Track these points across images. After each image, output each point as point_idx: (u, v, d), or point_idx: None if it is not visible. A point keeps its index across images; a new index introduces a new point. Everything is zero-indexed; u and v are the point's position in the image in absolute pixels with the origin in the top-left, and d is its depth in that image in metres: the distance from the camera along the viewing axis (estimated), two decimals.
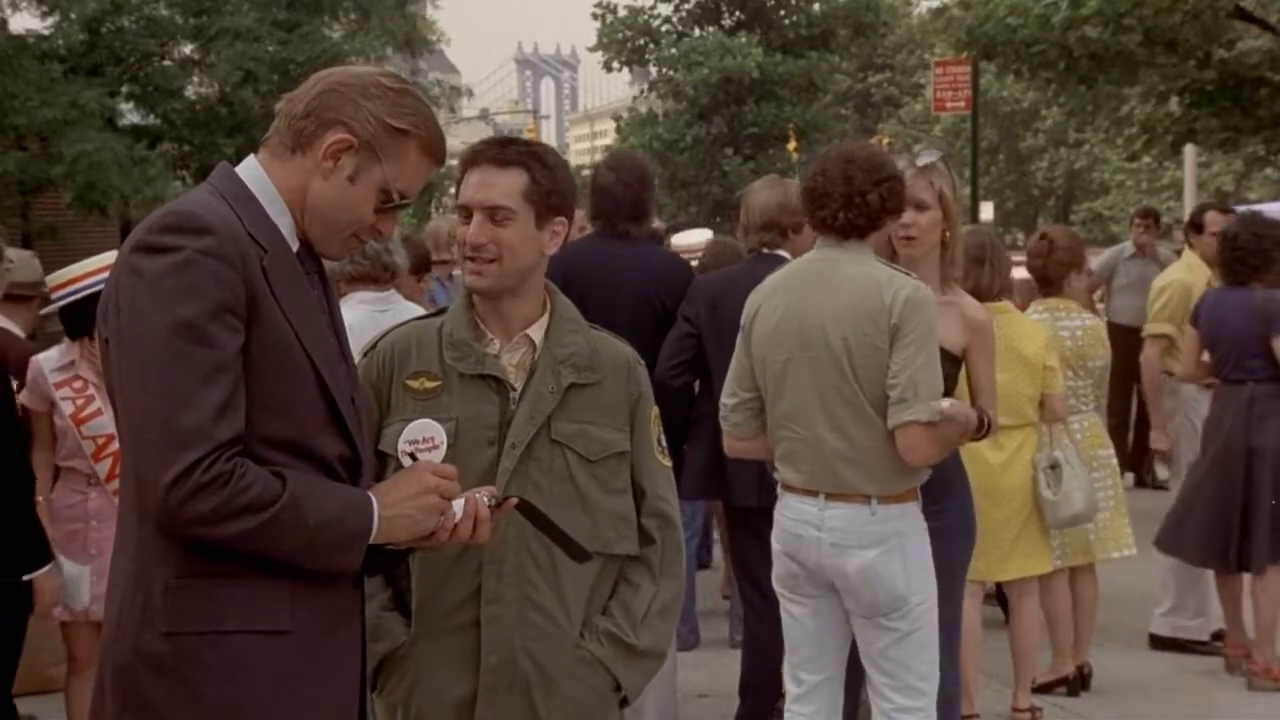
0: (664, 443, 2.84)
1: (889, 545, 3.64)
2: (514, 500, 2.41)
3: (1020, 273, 6.17)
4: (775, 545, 3.83)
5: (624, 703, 2.75)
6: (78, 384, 4.53)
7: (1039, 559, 5.32)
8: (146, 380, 2.05)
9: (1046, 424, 5.29)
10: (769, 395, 3.77)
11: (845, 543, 3.65)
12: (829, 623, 3.80)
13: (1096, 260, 10.53)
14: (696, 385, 5.02)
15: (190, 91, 17.95)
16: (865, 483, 3.63)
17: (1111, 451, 5.90)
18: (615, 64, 37.94)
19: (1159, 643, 6.43)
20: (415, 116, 2.26)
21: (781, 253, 4.86)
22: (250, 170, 2.25)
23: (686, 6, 37.92)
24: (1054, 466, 5.22)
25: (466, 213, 2.68)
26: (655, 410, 2.82)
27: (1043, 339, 5.28)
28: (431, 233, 7.06)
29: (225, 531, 2.06)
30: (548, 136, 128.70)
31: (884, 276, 3.60)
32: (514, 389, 2.67)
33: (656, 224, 7.71)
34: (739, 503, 4.93)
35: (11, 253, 5.36)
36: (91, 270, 4.51)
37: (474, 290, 2.72)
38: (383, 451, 2.62)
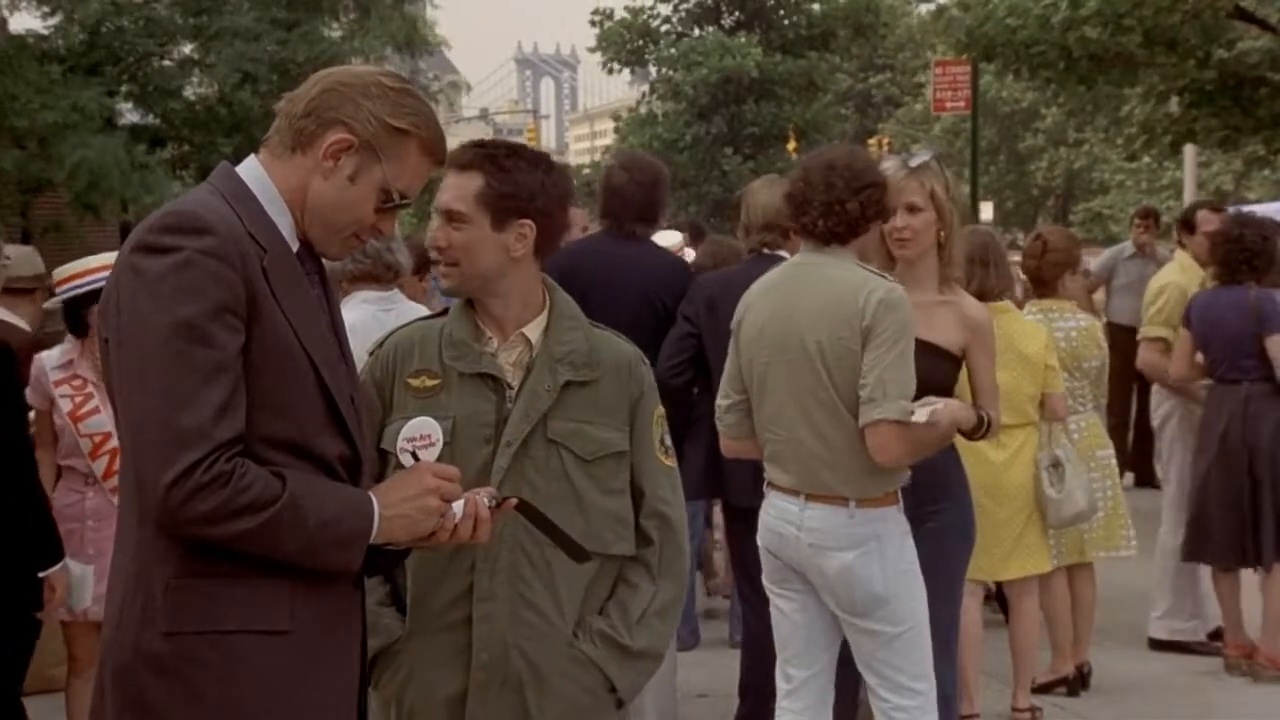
0: (668, 443, 2.83)
1: (867, 548, 3.66)
2: (514, 501, 2.41)
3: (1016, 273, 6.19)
4: (760, 542, 3.88)
5: (620, 703, 2.75)
6: (76, 382, 4.54)
7: (1039, 558, 5.33)
8: (146, 380, 2.05)
9: (1046, 423, 5.30)
10: (754, 397, 3.82)
11: (823, 544, 3.68)
12: (817, 619, 3.83)
13: (1096, 260, 10.54)
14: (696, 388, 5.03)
15: (189, 91, 17.94)
16: (843, 485, 3.66)
17: (1111, 451, 5.91)
18: (615, 65, 37.96)
19: (1157, 645, 6.44)
20: (416, 116, 2.26)
21: (782, 253, 4.86)
22: (250, 170, 2.25)
23: (686, 6, 37.95)
24: (1056, 465, 5.22)
25: (438, 215, 2.74)
26: (660, 411, 2.82)
27: (1044, 338, 5.29)
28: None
29: (226, 531, 2.06)
30: (547, 136, 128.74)
31: (859, 279, 3.62)
32: (510, 387, 2.68)
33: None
34: (738, 503, 4.94)
35: (10, 249, 5.40)
36: (94, 267, 4.52)
37: (446, 293, 2.78)
38: (384, 449, 2.64)
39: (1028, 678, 5.46)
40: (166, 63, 17.84)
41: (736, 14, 37.52)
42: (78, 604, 4.39)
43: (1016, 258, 6.67)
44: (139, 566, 2.13)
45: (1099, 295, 10.52)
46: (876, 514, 3.68)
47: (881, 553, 3.67)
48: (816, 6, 37.10)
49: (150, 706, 2.10)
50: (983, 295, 4.75)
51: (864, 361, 3.56)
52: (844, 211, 3.68)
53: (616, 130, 41.07)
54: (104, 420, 4.46)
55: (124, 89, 17.24)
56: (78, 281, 4.55)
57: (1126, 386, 9.74)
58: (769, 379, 3.75)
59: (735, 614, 6.11)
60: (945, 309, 3.97)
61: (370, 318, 4.24)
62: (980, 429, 3.93)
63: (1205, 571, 6.32)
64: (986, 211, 27.39)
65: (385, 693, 2.71)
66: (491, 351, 2.70)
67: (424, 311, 3.81)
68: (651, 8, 37.89)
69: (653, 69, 38.50)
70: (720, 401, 3.95)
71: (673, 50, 36.65)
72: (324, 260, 2.35)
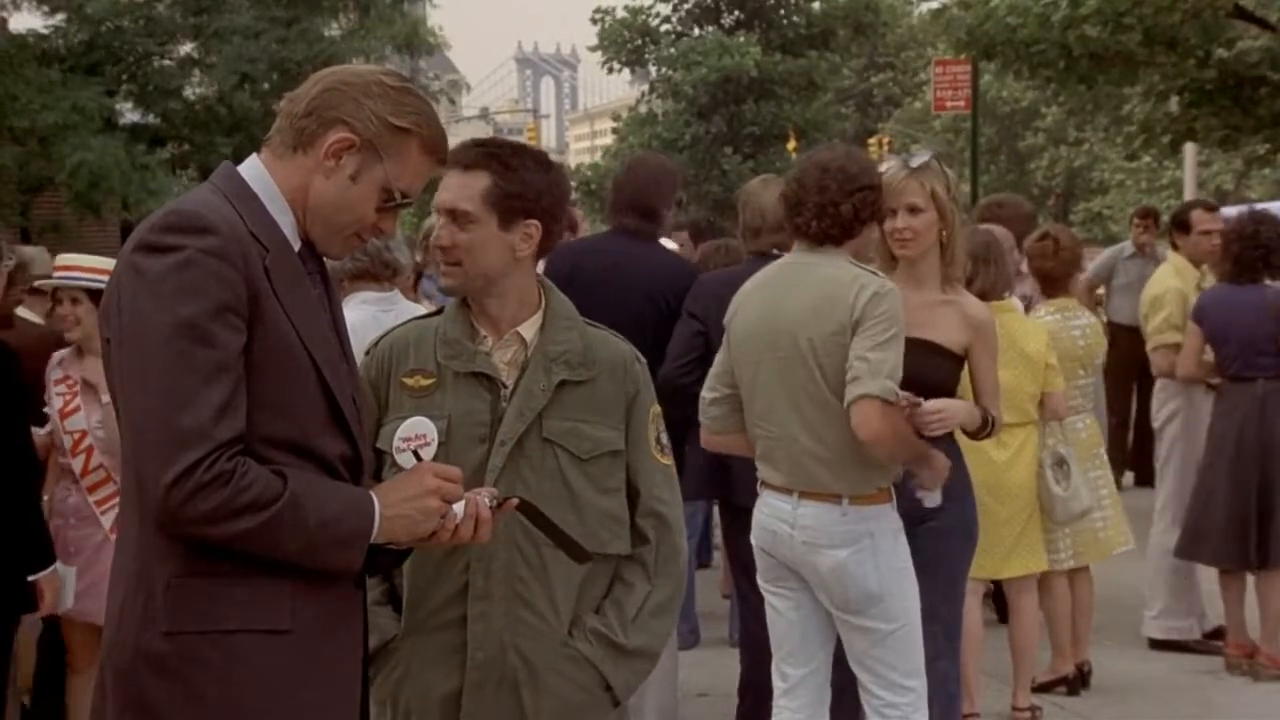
0: (664, 442, 2.83)
1: (860, 545, 3.67)
2: (514, 501, 2.41)
3: None
4: (754, 541, 3.90)
5: (616, 702, 2.74)
6: (69, 381, 4.58)
7: (1039, 557, 5.34)
8: (147, 380, 2.05)
9: (1045, 422, 5.31)
10: (745, 393, 3.84)
11: (817, 541, 3.70)
12: (811, 616, 3.84)
13: (1095, 260, 10.53)
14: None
15: (189, 91, 17.93)
16: (836, 482, 3.67)
17: (1104, 447, 5.93)
18: (615, 65, 37.95)
19: (1157, 644, 6.44)
20: (417, 115, 2.26)
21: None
22: (252, 169, 2.25)
23: (686, 6, 37.93)
24: (1061, 463, 5.23)
25: (439, 214, 2.71)
26: (656, 409, 2.81)
27: (1044, 337, 5.29)
28: (426, 232, 7.07)
29: (226, 531, 2.06)
30: (548, 136, 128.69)
31: (849, 277, 3.64)
32: (505, 386, 2.68)
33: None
34: (742, 502, 4.92)
35: (28, 250, 5.51)
36: (90, 266, 4.52)
37: (447, 291, 2.77)
38: (380, 449, 2.64)
39: (1028, 677, 5.46)
40: (166, 63, 17.82)
41: (736, 13, 37.49)
42: (61, 605, 4.40)
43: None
44: (140, 566, 2.13)
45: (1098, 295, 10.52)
46: (869, 511, 3.69)
47: (875, 550, 3.68)
48: (816, 6, 37.07)
49: (151, 706, 2.11)
50: (985, 295, 4.76)
51: (852, 348, 3.56)
52: (838, 214, 3.70)
53: (615, 130, 41.04)
54: (81, 419, 4.49)
55: (124, 89, 17.23)
56: (72, 272, 4.55)
57: (1127, 386, 9.75)
58: (760, 376, 3.76)
59: (735, 613, 6.10)
60: (947, 309, 3.98)
61: (370, 318, 4.24)
62: (985, 429, 3.93)
63: (1205, 572, 6.33)
64: None
65: (381, 692, 2.71)
66: (486, 351, 2.71)
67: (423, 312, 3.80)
68: (651, 7, 37.88)
69: (652, 69, 38.48)
70: (706, 394, 3.97)
71: (672, 50, 36.63)
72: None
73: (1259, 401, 5.87)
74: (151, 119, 17.53)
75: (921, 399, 3.77)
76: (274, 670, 2.14)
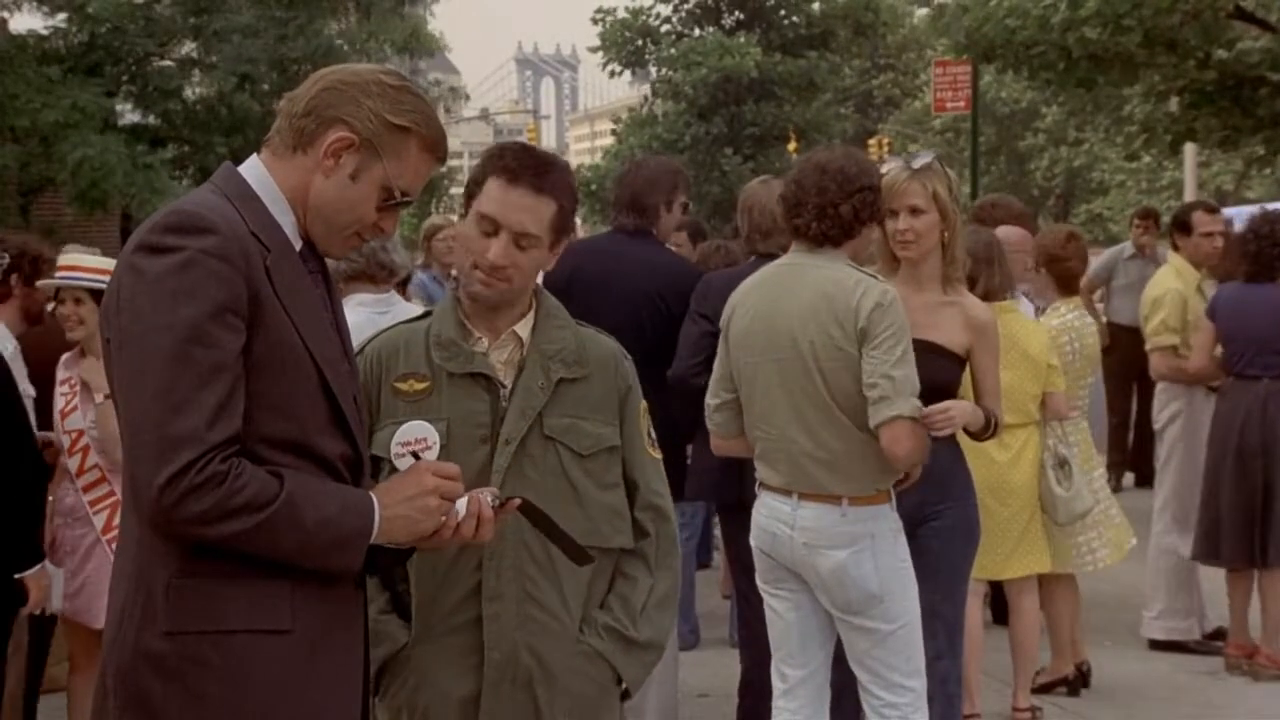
0: (653, 435, 2.86)
1: (860, 546, 3.68)
2: (517, 501, 2.41)
3: None
4: (752, 542, 3.90)
5: (625, 695, 2.77)
6: (70, 381, 4.60)
7: (1040, 557, 5.33)
8: (145, 381, 2.05)
9: (1046, 422, 5.31)
10: (744, 395, 3.84)
11: (817, 543, 3.70)
12: (811, 617, 3.84)
13: (1095, 261, 10.54)
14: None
15: (189, 92, 17.93)
16: (836, 483, 3.67)
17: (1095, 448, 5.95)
18: (615, 67, 37.94)
19: (1157, 644, 6.44)
20: (416, 114, 2.26)
21: None
22: (253, 169, 2.25)
23: (686, 6, 37.92)
24: (1063, 464, 5.23)
25: (491, 225, 2.66)
26: (644, 404, 2.84)
27: (1045, 338, 5.29)
28: (428, 232, 7.08)
29: (220, 532, 2.06)
30: (548, 136, 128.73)
31: (850, 280, 3.64)
32: (504, 386, 2.69)
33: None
34: (747, 503, 4.92)
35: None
36: (92, 266, 4.52)
37: (477, 299, 2.71)
38: (375, 456, 2.59)
39: (1028, 678, 5.46)
40: (166, 63, 17.82)
41: (736, 14, 37.49)
42: (49, 605, 4.38)
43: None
44: (140, 567, 2.13)
45: (1098, 295, 10.52)
46: (869, 512, 3.69)
47: (875, 550, 3.68)
48: (816, 6, 37.06)
49: (152, 706, 2.10)
50: (989, 295, 4.76)
51: (866, 363, 3.57)
52: (837, 215, 3.70)
53: (614, 132, 41.02)
54: (78, 418, 4.50)
55: (124, 89, 17.23)
56: (74, 272, 4.55)
57: (1127, 386, 9.75)
58: (758, 378, 3.77)
59: (735, 613, 6.10)
60: (949, 310, 3.98)
61: (366, 320, 4.23)
62: (987, 429, 3.94)
63: (1205, 572, 6.33)
64: None
65: (395, 701, 2.71)
66: (482, 351, 2.71)
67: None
68: (651, 8, 37.88)
69: (653, 69, 38.47)
70: (710, 400, 3.98)
71: (672, 50, 36.62)
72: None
73: (1261, 400, 5.88)
74: (152, 119, 17.53)
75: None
76: (274, 670, 2.13)
